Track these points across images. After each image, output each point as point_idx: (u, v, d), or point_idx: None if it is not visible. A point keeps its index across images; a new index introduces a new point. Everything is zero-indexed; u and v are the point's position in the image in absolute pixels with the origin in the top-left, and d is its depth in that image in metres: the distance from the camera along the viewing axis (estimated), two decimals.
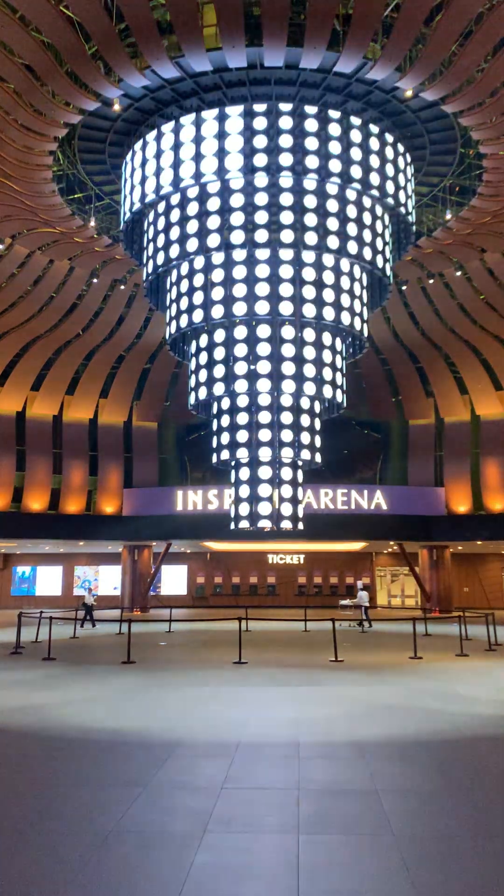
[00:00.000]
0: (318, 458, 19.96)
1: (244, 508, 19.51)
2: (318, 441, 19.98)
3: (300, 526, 19.86)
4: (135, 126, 20.46)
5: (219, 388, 19.09)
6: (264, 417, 19.00)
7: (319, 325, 18.97)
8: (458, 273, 27.86)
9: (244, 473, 19.67)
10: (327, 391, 19.23)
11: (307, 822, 5.46)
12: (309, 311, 18.61)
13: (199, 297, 19.14)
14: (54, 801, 5.99)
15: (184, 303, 19.57)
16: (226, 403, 19.66)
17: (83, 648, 18.70)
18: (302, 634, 22.50)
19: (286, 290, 18.41)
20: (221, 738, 8.15)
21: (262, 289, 18.39)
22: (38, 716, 9.53)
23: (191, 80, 18.26)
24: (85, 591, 26.87)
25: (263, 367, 18.57)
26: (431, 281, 28.56)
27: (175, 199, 19.14)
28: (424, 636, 20.25)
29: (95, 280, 28.47)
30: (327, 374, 19.20)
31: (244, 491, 19.60)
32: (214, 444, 20.19)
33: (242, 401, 19.17)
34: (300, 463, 19.78)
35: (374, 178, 18.86)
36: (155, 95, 18.96)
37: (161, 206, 19.70)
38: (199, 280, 19.17)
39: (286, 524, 19.32)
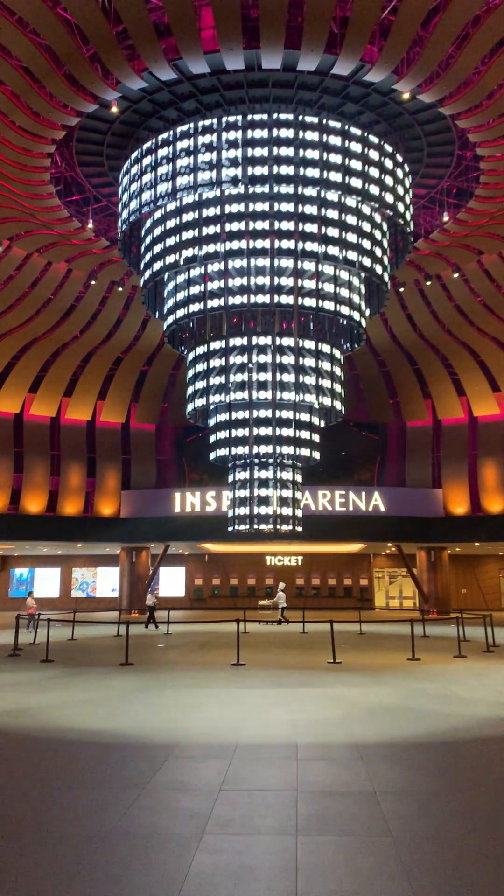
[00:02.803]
0: (316, 455, 19.96)
1: (242, 510, 19.50)
2: (316, 438, 19.98)
3: (298, 528, 19.85)
4: (133, 128, 20.47)
5: (216, 398, 19.13)
6: (262, 415, 19.03)
7: (317, 316, 19.04)
8: (455, 275, 27.90)
9: (242, 474, 19.66)
10: (326, 401, 19.27)
11: (305, 823, 5.46)
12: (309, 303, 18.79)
13: (196, 290, 19.28)
14: (52, 803, 5.98)
15: (181, 296, 19.69)
16: (224, 407, 19.67)
17: (81, 650, 18.66)
18: (300, 636, 22.49)
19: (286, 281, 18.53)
20: (220, 740, 8.14)
21: (261, 280, 18.52)
22: (37, 717, 9.51)
23: (188, 83, 18.27)
24: (149, 592, 26.58)
25: (262, 376, 18.63)
26: (429, 283, 28.60)
27: (172, 206, 19.14)
28: (422, 637, 20.24)
29: (93, 282, 28.47)
30: (325, 382, 19.24)
31: (242, 492, 19.59)
32: (212, 441, 20.21)
33: (240, 403, 19.18)
34: (299, 463, 19.77)
35: (374, 189, 18.86)
36: (153, 98, 18.98)
37: (157, 215, 19.70)
38: (196, 279, 19.23)
39: (284, 527, 19.31)
